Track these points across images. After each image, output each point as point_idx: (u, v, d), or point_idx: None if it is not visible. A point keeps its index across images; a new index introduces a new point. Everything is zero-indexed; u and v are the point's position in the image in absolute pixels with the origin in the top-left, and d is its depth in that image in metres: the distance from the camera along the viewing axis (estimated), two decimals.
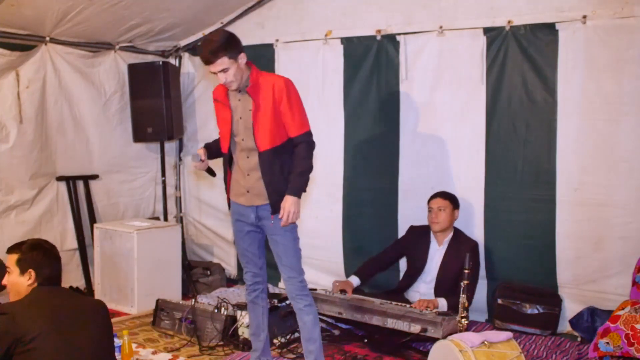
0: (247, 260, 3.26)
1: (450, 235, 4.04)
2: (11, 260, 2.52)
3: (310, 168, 3.07)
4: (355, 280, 4.07)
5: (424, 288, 4.02)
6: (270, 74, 3.11)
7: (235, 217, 3.22)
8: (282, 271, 3.16)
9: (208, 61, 2.92)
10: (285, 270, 3.13)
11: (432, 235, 4.09)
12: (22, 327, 2.30)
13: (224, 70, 2.92)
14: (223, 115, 3.12)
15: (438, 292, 3.93)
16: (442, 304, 3.76)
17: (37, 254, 2.52)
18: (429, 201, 4.08)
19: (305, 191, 3.06)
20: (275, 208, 3.04)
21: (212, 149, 3.25)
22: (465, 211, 4.18)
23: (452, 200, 4.03)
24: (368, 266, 4.19)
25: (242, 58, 2.97)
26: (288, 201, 2.99)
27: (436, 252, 4.05)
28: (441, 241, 4.05)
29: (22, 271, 2.49)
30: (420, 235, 4.13)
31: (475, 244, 3.99)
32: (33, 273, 2.48)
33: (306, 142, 3.05)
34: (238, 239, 3.26)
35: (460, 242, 3.99)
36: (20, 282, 2.49)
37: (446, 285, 3.91)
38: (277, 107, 2.98)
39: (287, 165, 3.06)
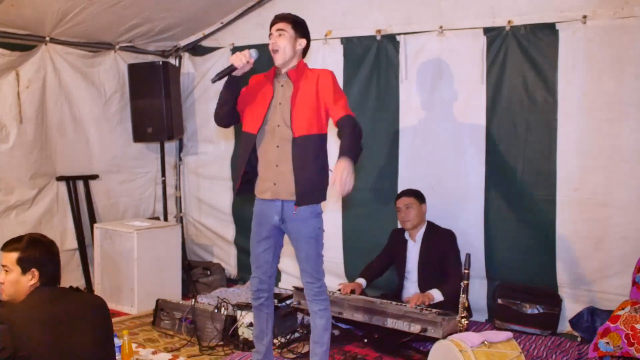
0: (257, 265, 3.16)
1: (422, 229, 4.05)
2: (10, 259, 2.37)
3: (359, 134, 2.85)
4: (363, 282, 4.10)
5: (412, 287, 4.04)
6: (318, 68, 3.11)
7: (257, 219, 3.12)
8: (301, 275, 3.11)
9: (275, 21, 3.04)
10: (304, 275, 3.08)
11: (406, 234, 4.11)
12: (20, 340, 2.21)
13: (279, 32, 2.98)
14: (263, 95, 3.05)
15: (423, 287, 3.94)
16: (436, 295, 3.77)
17: (39, 252, 2.39)
18: (395, 202, 4.10)
19: (358, 156, 2.82)
20: (301, 199, 2.94)
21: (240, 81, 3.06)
22: (465, 211, 4.18)
23: (417, 196, 4.04)
24: (367, 271, 4.20)
25: (301, 43, 3.04)
26: (342, 164, 2.68)
27: (412, 249, 4.07)
28: (415, 237, 4.07)
29: (24, 271, 2.36)
30: (398, 237, 4.16)
31: (450, 233, 4.00)
32: (37, 273, 2.36)
33: (353, 123, 2.88)
34: (254, 241, 3.15)
35: (433, 234, 4.02)
36: (21, 282, 2.36)
37: (429, 279, 3.92)
38: (319, 94, 2.95)
39: (321, 160, 2.99)
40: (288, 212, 3.00)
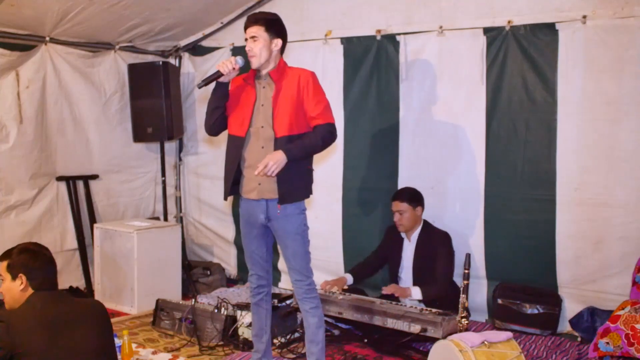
0: (253, 262, 3.22)
1: (418, 229, 4.05)
2: (2, 268, 2.47)
3: (317, 146, 3.00)
4: (349, 279, 4.09)
5: (406, 285, 4.03)
6: (299, 67, 3.12)
7: (245, 218, 3.17)
8: (290, 273, 3.14)
9: (248, 25, 3.02)
10: (293, 273, 3.11)
11: (402, 232, 4.11)
12: (17, 341, 2.25)
13: (254, 38, 2.98)
14: (246, 97, 3.08)
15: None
16: (415, 293, 3.79)
17: (26, 257, 2.46)
18: (391, 201, 4.08)
19: (297, 160, 2.95)
20: (283, 198, 2.98)
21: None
22: (465, 211, 4.18)
23: (411, 200, 4.00)
24: (358, 268, 4.21)
25: (277, 43, 3.02)
26: (275, 155, 2.88)
27: (407, 249, 4.07)
28: (410, 237, 4.07)
29: (14, 277, 2.43)
30: (394, 235, 4.16)
31: (445, 235, 3.99)
32: (24, 277, 2.42)
33: (328, 131, 3.01)
34: (246, 240, 3.20)
35: (429, 235, 4.01)
36: (13, 288, 2.44)
37: (423, 279, 3.93)
38: (300, 95, 2.98)
39: (304, 161, 3.03)
40: (273, 210, 3.04)
